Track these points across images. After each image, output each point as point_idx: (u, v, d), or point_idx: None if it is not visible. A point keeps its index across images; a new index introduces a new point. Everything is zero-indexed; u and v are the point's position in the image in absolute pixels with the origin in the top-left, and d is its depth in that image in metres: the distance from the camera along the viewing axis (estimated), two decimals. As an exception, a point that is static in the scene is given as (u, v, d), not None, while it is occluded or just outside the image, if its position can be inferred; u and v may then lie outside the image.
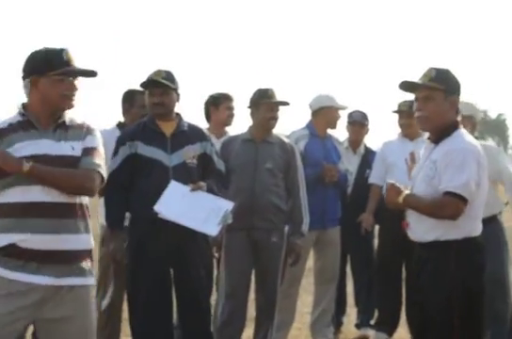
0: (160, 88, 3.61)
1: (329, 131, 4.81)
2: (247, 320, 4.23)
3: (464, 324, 2.80)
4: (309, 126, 4.74)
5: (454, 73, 2.96)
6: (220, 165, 3.80)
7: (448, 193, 2.78)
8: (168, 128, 3.66)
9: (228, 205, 3.65)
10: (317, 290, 4.81)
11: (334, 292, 4.75)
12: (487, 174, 2.93)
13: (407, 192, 2.88)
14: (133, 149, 3.61)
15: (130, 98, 4.14)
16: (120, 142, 3.66)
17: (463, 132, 2.94)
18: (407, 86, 3.02)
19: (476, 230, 2.91)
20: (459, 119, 3.05)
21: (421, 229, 2.92)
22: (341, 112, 4.78)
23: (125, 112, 4.15)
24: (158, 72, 3.64)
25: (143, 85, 3.68)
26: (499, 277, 3.87)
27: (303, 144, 4.55)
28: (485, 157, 2.93)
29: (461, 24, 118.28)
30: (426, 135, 4.41)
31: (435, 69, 2.93)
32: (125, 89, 4.19)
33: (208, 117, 4.58)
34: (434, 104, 2.88)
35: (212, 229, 3.60)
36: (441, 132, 2.91)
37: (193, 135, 3.71)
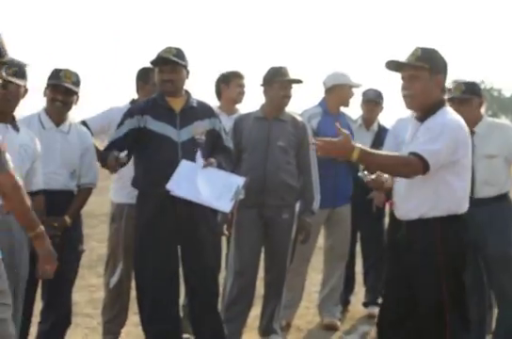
0: (170, 65, 3.62)
1: (343, 109, 4.79)
2: (255, 298, 4.24)
3: (453, 301, 2.91)
4: (321, 104, 4.73)
5: (440, 53, 3.03)
6: (228, 142, 3.83)
7: (414, 153, 2.84)
8: (177, 104, 3.68)
9: (240, 181, 3.68)
10: (326, 268, 4.84)
11: (343, 270, 4.77)
12: (470, 153, 3.02)
13: (359, 146, 2.80)
14: (141, 123, 3.63)
15: (144, 75, 4.15)
16: (128, 115, 3.69)
17: (448, 110, 3.01)
18: (393, 65, 3.09)
19: (462, 207, 2.99)
20: (446, 97, 3.18)
21: (406, 207, 2.99)
22: (355, 90, 4.77)
23: (139, 89, 4.17)
24: (168, 50, 3.64)
25: (153, 62, 3.67)
26: (505, 255, 3.88)
27: (316, 122, 4.55)
28: (468, 136, 3.00)
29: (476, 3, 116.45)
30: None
31: (421, 48, 3.00)
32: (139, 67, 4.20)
33: (219, 94, 4.59)
34: (420, 83, 2.95)
35: (225, 205, 3.64)
36: (427, 110, 2.97)
37: (202, 111, 3.73)
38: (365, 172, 3.16)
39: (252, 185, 3.90)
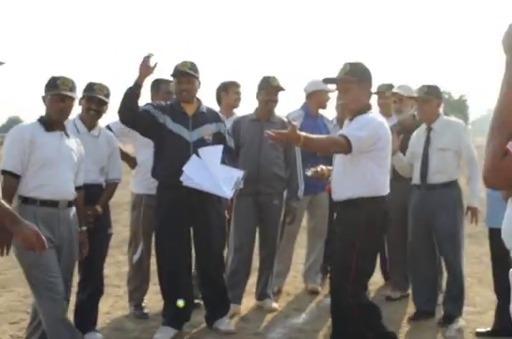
0: (186, 77, 4.10)
1: (321, 111, 5.39)
2: (251, 270, 4.85)
3: (360, 264, 3.39)
4: (303, 107, 5.32)
5: (365, 65, 3.52)
6: (231, 142, 4.33)
7: (342, 135, 3.34)
8: (190, 109, 4.15)
9: (239, 173, 4.17)
10: (309, 244, 5.43)
11: (323, 246, 5.35)
12: (389, 147, 3.51)
13: (303, 134, 3.24)
14: (162, 119, 4.05)
15: (156, 86, 4.58)
16: (154, 106, 4.08)
17: (373, 112, 3.55)
18: (328, 80, 3.68)
19: (384, 190, 3.48)
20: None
21: (339, 190, 3.48)
22: (330, 94, 5.31)
23: (152, 98, 4.59)
24: (185, 64, 4.12)
25: (173, 74, 4.15)
26: (452, 232, 4.39)
27: (299, 123, 5.02)
28: (389, 134, 3.49)
29: (430, 11, 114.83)
30: (402, 113, 5.09)
31: (349, 63, 3.48)
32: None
33: (219, 100, 5.08)
34: (350, 93, 3.46)
35: (227, 193, 4.10)
36: (357, 113, 3.49)
37: (210, 116, 4.20)
38: (312, 169, 3.69)
39: (248, 176, 4.45)
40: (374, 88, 3.74)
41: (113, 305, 4.83)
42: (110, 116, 4.41)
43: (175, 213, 4.07)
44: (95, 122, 4.05)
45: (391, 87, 5.20)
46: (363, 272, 3.47)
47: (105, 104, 3.98)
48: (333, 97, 5.45)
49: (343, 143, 3.32)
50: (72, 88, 3.54)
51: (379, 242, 3.72)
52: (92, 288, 4.01)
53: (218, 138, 4.20)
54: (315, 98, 5.27)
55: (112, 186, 4.11)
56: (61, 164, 3.49)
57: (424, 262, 4.53)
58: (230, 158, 4.29)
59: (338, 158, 3.55)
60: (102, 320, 4.42)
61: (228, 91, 5.04)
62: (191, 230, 4.17)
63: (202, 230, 4.14)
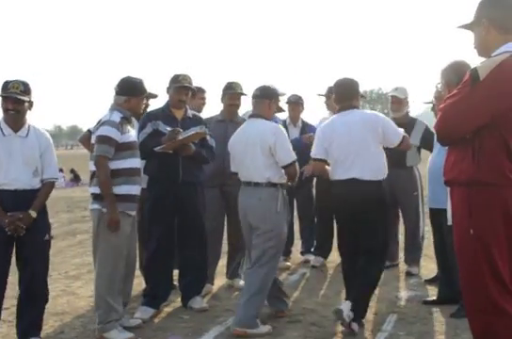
0: (187, 90, 4.67)
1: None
2: (222, 253, 5.35)
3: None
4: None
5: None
6: (212, 142, 4.81)
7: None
8: (179, 114, 4.70)
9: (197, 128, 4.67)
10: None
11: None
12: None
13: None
14: (155, 126, 4.61)
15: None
16: (147, 119, 4.64)
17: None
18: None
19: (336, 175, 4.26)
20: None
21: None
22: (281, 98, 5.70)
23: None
24: (185, 77, 4.66)
25: (175, 85, 4.63)
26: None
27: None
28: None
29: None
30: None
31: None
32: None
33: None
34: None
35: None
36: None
37: (195, 120, 4.75)
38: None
39: (215, 169, 4.97)
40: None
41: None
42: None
43: (162, 203, 4.56)
44: (19, 123, 3.82)
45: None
46: None
47: (24, 102, 3.76)
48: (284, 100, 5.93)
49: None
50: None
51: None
52: (36, 296, 3.85)
53: (202, 138, 4.72)
54: None
55: (47, 187, 3.90)
56: None
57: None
58: (209, 153, 4.76)
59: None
60: (86, 303, 4.87)
61: (195, 96, 5.34)
62: (175, 219, 4.63)
63: (187, 217, 4.62)
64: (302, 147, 5.50)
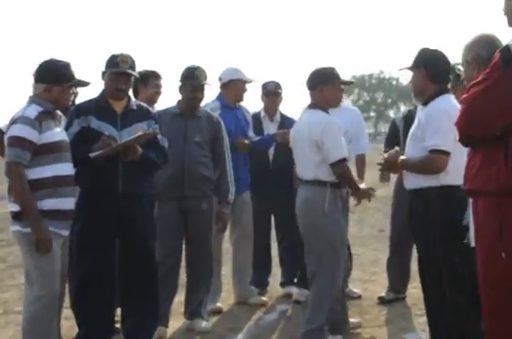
0: (127, 76, 3.82)
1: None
2: (179, 286, 4.42)
3: None
4: (219, 98, 4.92)
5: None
6: (164, 142, 3.96)
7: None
8: (118, 106, 3.86)
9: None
10: (240, 252, 5.00)
11: (251, 249, 4.98)
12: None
13: (402, 157, 3.43)
14: (85, 123, 3.78)
15: (145, 79, 4.38)
16: (75, 115, 3.82)
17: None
18: None
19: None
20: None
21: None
22: (253, 84, 5.00)
23: (140, 93, 4.42)
24: (125, 60, 3.81)
25: (111, 70, 3.81)
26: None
27: (217, 115, 4.62)
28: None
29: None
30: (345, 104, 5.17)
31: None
32: None
33: (136, 93, 4.47)
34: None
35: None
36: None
37: (141, 113, 3.91)
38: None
39: (172, 177, 4.14)
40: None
41: (14, 336, 4.18)
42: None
43: (97, 223, 3.77)
44: None
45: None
46: None
47: None
48: (258, 87, 5.18)
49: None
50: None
51: None
52: None
53: (148, 138, 3.86)
54: (232, 88, 4.91)
55: None
56: None
57: None
58: (160, 156, 3.93)
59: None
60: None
61: (147, 84, 4.49)
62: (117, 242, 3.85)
63: (132, 242, 3.84)
64: (271, 146, 5.03)
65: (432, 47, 3.51)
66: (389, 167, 3.58)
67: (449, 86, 3.53)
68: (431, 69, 3.38)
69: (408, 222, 3.57)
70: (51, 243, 3.36)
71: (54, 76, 3.49)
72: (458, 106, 3.32)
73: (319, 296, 3.83)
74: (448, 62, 3.49)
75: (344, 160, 3.80)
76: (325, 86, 3.86)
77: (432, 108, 3.37)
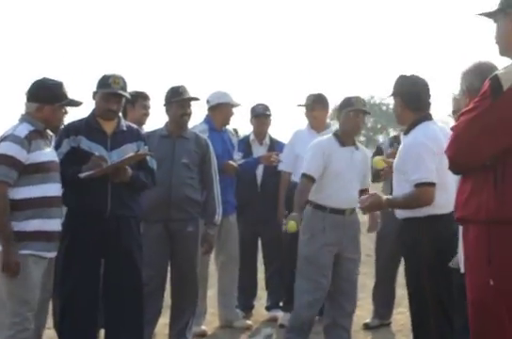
0: (119, 97, 3.83)
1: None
2: (164, 308, 4.36)
3: None
4: (207, 121, 4.93)
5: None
6: (152, 163, 3.95)
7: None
8: (109, 127, 3.84)
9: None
10: (226, 275, 4.96)
11: (237, 272, 4.96)
12: None
13: (385, 197, 3.43)
14: (75, 143, 3.76)
15: (133, 99, 4.33)
16: (64, 135, 3.80)
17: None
18: None
19: None
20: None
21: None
22: (241, 108, 5.05)
23: (128, 112, 4.41)
24: (117, 81, 3.80)
25: (103, 91, 3.80)
26: None
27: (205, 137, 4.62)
28: None
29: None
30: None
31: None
32: None
33: (125, 114, 4.43)
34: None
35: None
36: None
37: (131, 134, 3.90)
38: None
39: (158, 199, 4.11)
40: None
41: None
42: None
43: (83, 244, 3.74)
44: None
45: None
46: None
47: None
48: (246, 110, 5.23)
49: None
50: None
51: None
52: None
53: (138, 159, 3.87)
54: (220, 111, 4.93)
55: None
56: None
57: None
58: (149, 178, 3.91)
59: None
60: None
61: (135, 104, 4.49)
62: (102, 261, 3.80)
63: (118, 263, 3.78)
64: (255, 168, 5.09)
65: (415, 73, 3.45)
66: (373, 209, 3.59)
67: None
68: (405, 97, 3.34)
69: (395, 249, 3.57)
70: (18, 267, 3.29)
71: (46, 96, 3.48)
72: (438, 132, 3.32)
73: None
74: (424, 88, 3.40)
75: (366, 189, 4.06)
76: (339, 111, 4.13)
77: (409, 140, 3.33)
